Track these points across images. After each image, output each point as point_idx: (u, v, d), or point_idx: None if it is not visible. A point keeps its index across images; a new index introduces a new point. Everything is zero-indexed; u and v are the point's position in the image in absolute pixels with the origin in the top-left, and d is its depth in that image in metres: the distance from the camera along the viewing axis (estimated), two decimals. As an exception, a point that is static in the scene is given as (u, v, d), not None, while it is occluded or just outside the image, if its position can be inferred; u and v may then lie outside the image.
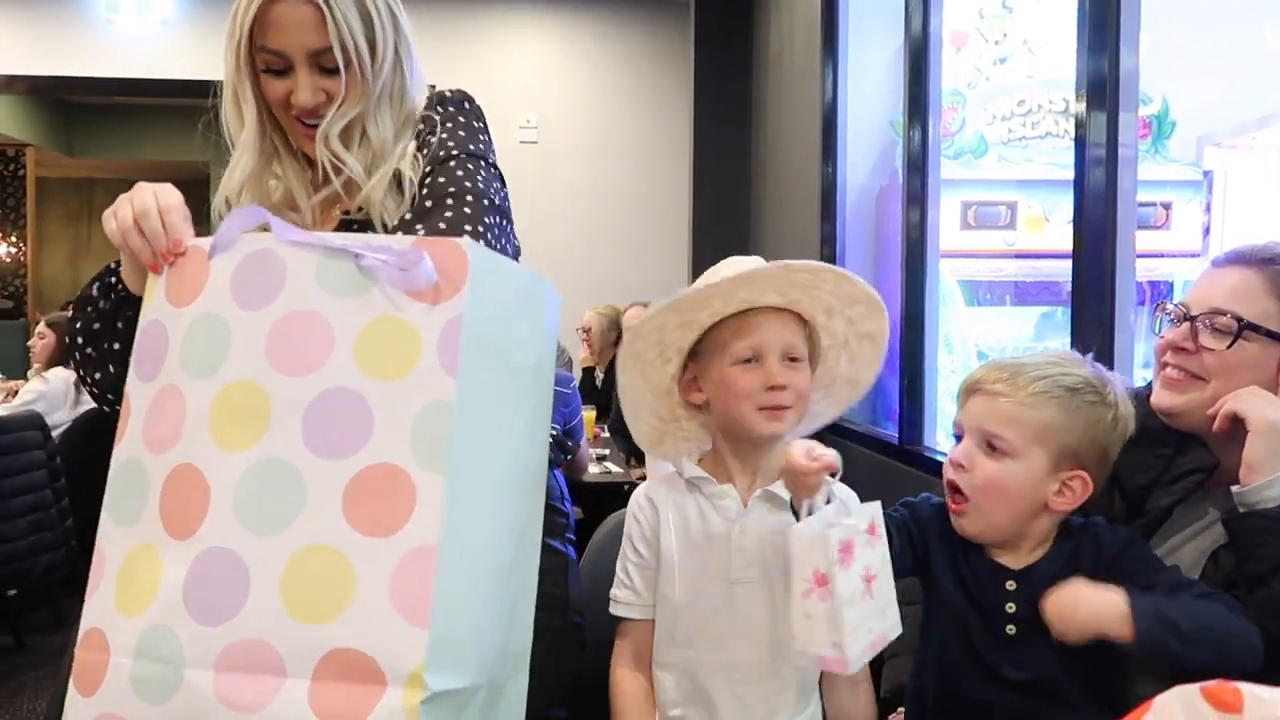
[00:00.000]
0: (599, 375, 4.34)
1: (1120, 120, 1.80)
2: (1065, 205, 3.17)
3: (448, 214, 1.06)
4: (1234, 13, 3.19)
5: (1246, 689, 0.61)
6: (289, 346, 0.84)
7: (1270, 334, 1.07)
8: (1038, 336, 3.22)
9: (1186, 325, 1.10)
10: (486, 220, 1.06)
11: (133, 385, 0.92)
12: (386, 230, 1.10)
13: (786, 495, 1.07)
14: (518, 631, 0.92)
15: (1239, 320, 1.07)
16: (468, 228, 1.05)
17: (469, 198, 1.07)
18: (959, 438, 1.11)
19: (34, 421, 3.38)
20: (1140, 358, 2.03)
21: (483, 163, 1.12)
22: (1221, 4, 3.24)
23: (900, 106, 2.96)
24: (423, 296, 0.83)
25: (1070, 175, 1.93)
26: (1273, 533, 1.01)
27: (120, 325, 1.10)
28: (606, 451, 3.59)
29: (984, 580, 1.09)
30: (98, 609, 0.86)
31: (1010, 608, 1.07)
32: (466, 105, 1.19)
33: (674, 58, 5.14)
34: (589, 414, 3.60)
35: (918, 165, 2.80)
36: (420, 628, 0.77)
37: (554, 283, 0.95)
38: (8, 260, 9.34)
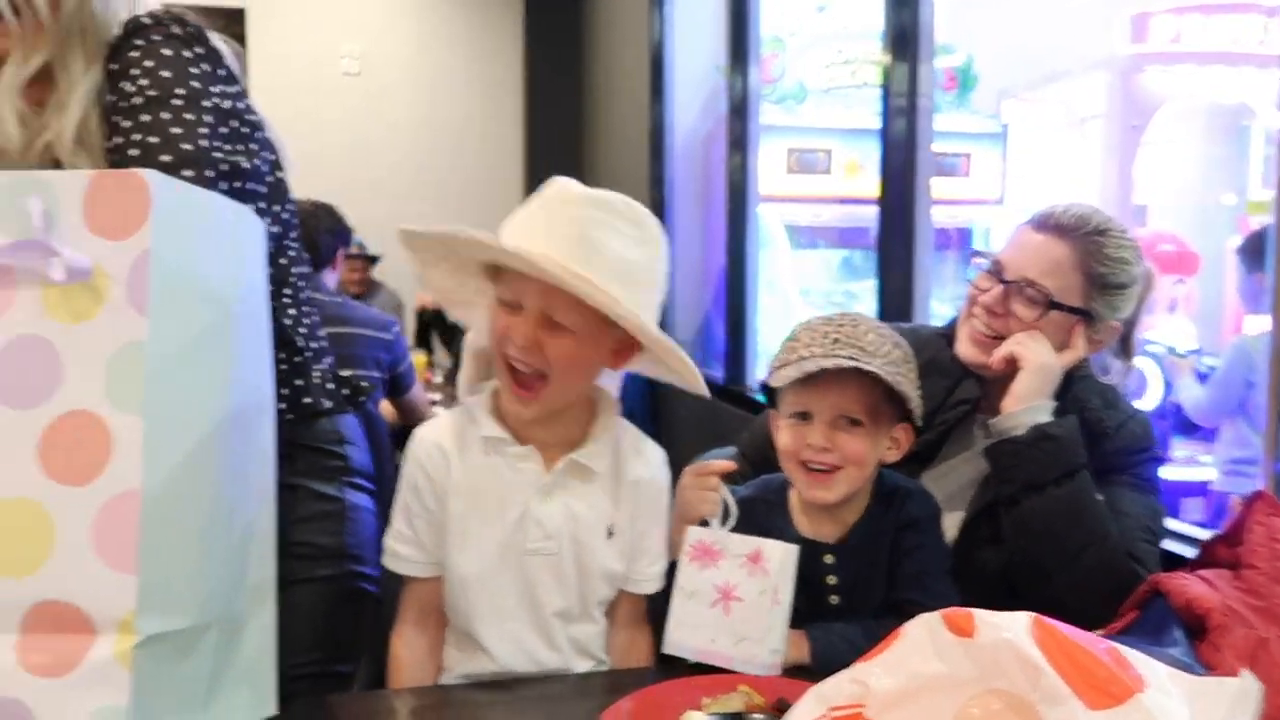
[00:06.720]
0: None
1: (919, 71, 1.87)
2: (877, 153, 3.31)
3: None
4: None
5: (978, 615, 0.66)
6: None
7: (1072, 309, 1.15)
8: (844, 278, 3.37)
9: (1000, 289, 1.17)
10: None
11: None
12: None
13: (594, 465, 1.05)
14: (255, 567, 0.92)
15: (1048, 296, 1.14)
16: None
17: (165, 157, 0.94)
18: (802, 415, 1.07)
19: None
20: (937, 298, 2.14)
21: (193, 105, 0.96)
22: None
23: (725, 50, 2.98)
24: (105, 232, 0.80)
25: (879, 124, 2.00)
26: (1021, 456, 1.11)
27: None
28: (439, 397, 3.52)
29: (801, 559, 1.06)
30: None
31: (831, 580, 1.10)
32: (176, 30, 0.98)
33: (505, -10, 4.98)
34: (420, 358, 3.51)
35: (739, 110, 2.83)
36: (128, 573, 0.76)
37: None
38: None
